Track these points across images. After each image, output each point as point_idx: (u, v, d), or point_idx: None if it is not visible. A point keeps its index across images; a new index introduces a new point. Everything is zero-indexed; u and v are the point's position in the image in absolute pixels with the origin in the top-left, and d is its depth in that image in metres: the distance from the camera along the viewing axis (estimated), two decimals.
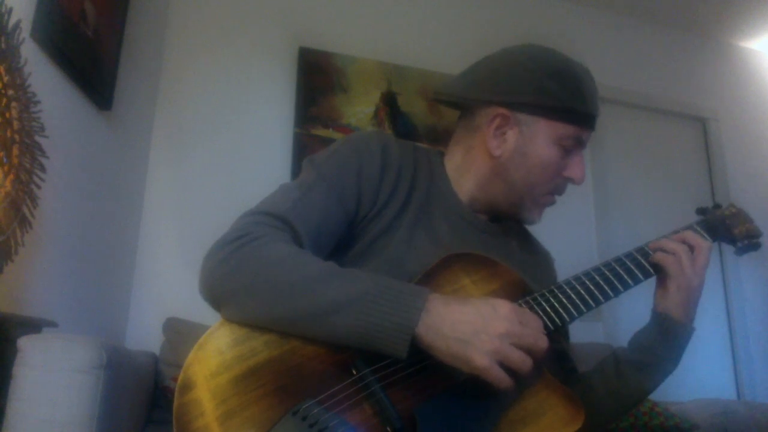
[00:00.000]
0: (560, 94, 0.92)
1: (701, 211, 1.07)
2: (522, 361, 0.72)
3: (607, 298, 0.89)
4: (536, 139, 0.93)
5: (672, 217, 1.04)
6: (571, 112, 0.92)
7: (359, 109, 2.59)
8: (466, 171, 1.00)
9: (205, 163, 2.35)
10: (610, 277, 0.91)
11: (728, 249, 1.06)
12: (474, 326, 0.72)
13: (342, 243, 0.91)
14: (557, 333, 0.90)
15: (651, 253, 0.94)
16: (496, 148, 0.95)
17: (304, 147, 2.41)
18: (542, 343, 0.74)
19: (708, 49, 3.45)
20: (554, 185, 0.97)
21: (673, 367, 0.97)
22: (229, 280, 0.77)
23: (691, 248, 0.93)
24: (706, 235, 0.99)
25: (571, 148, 0.95)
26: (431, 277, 0.86)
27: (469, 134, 1.00)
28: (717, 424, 2.12)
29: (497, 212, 1.02)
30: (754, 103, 3.46)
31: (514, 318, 0.73)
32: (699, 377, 2.80)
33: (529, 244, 1.10)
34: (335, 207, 0.88)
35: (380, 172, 0.92)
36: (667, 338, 0.94)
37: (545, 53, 0.96)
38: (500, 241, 1.02)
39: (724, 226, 1.03)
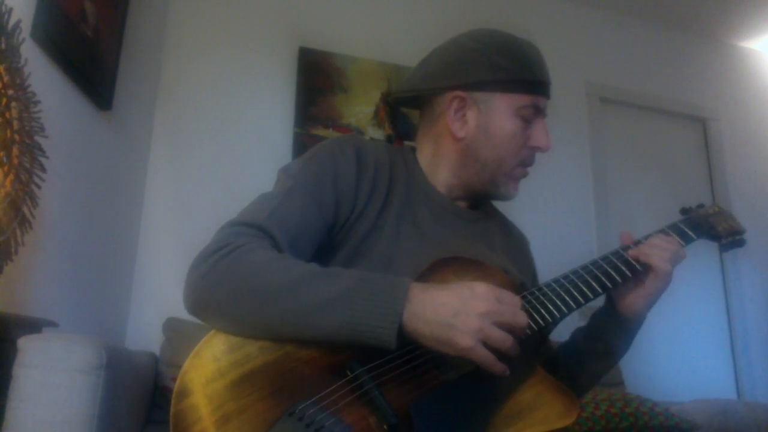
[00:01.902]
0: (510, 67, 0.95)
1: (685, 211, 1.10)
2: (503, 339, 0.73)
3: (596, 295, 0.91)
4: (495, 113, 0.97)
5: (671, 217, 1.05)
6: (523, 82, 0.96)
7: (359, 109, 2.59)
8: (438, 161, 1.02)
9: (205, 162, 2.35)
10: (599, 275, 0.91)
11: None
12: (454, 308, 0.73)
13: (328, 248, 0.91)
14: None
15: (626, 256, 0.94)
16: (459, 130, 0.98)
17: (304, 147, 2.41)
18: (521, 319, 0.75)
19: (708, 49, 3.45)
20: (522, 156, 1.00)
21: (624, 353, 1.01)
22: (213, 292, 0.77)
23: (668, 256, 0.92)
24: (690, 232, 1.00)
25: (530, 117, 0.98)
26: (422, 282, 0.86)
27: (433, 124, 1.03)
28: (717, 424, 2.12)
29: (475, 195, 1.04)
30: (754, 103, 3.46)
31: (492, 297, 0.75)
32: (699, 377, 2.81)
33: (506, 228, 1.13)
34: (313, 214, 0.88)
35: (356, 175, 0.93)
36: (627, 332, 0.98)
37: (489, 33, 1.00)
38: (481, 227, 1.05)
39: (707, 224, 1.05)
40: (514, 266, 1.00)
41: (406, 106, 1.11)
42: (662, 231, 0.99)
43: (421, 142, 1.06)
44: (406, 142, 1.17)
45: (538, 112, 0.98)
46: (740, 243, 1.08)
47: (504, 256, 1.00)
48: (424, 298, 0.74)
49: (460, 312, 0.73)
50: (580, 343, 1.02)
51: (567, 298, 0.88)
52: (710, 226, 1.05)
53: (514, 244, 1.11)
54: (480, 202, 1.08)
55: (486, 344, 0.73)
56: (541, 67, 0.98)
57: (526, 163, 1.01)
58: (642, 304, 0.92)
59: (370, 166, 0.95)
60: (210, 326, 0.78)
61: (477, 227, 1.04)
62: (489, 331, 0.73)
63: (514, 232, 1.15)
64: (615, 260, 0.93)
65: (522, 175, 1.02)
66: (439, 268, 0.88)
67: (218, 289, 0.77)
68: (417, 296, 0.75)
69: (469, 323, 0.72)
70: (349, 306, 0.73)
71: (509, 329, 0.74)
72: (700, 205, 1.10)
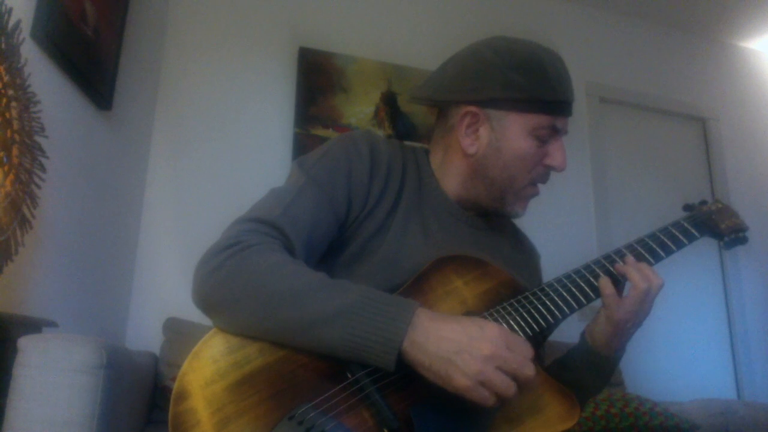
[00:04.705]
0: (526, 86, 0.91)
1: (688, 207, 1.08)
2: (506, 386, 0.70)
3: (598, 295, 0.90)
4: (508, 132, 0.93)
5: (671, 217, 1.04)
6: (540, 102, 0.91)
7: (359, 109, 2.59)
8: (447, 170, 1.00)
9: (205, 163, 2.35)
10: (602, 274, 0.91)
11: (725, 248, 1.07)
12: (458, 345, 0.71)
13: (335, 244, 0.91)
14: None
15: (612, 269, 0.91)
16: (469, 146, 0.96)
17: (304, 147, 2.41)
18: (528, 370, 0.72)
19: (708, 49, 3.44)
20: (535, 174, 0.96)
21: (597, 390, 0.97)
22: (219, 290, 0.77)
23: (648, 288, 0.88)
24: (694, 230, 0.98)
25: (546, 137, 0.94)
26: (423, 280, 0.86)
27: (445, 134, 1.00)
28: (717, 424, 2.12)
29: (483, 209, 1.02)
30: (754, 103, 3.46)
31: (501, 341, 0.72)
32: (699, 377, 2.81)
33: (517, 239, 1.10)
34: (326, 211, 0.87)
35: (370, 173, 0.92)
36: (590, 367, 0.95)
37: (510, 45, 0.95)
38: (489, 236, 1.03)
39: (711, 222, 1.03)
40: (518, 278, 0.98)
41: (426, 105, 1.08)
42: (656, 237, 0.96)
43: (434, 146, 1.04)
44: (407, 142, 1.17)
45: (555, 132, 0.94)
46: (743, 240, 1.06)
47: (508, 268, 0.97)
48: (429, 327, 0.72)
49: (463, 350, 0.70)
50: (552, 370, 0.98)
51: (569, 299, 0.88)
52: (714, 223, 1.03)
53: (523, 257, 1.08)
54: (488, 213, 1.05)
55: (485, 386, 0.70)
56: (562, 85, 0.93)
57: (538, 181, 0.98)
58: (611, 330, 0.89)
59: (383, 165, 0.94)
60: (214, 323, 0.78)
61: (484, 236, 1.02)
62: (491, 375, 0.70)
63: (524, 245, 1.11)
64: (618, 259, 0.93)
65: (533, 194, 0.99)
66: (441, 266, 0.88)
67: (225, 288, 0.77)
68: (423, 324, 0.73)
69: (470, 364, 0.70)
70: (351, 323, 0.72)
71: (514, 376, 0.71)
72: (703, 202, 1.08)
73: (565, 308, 0.88)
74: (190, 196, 2.30)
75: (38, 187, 1.32)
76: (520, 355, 0.72)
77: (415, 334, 0.72)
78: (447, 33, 2.78)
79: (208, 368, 0.73)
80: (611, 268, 0.91)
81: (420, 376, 0.74)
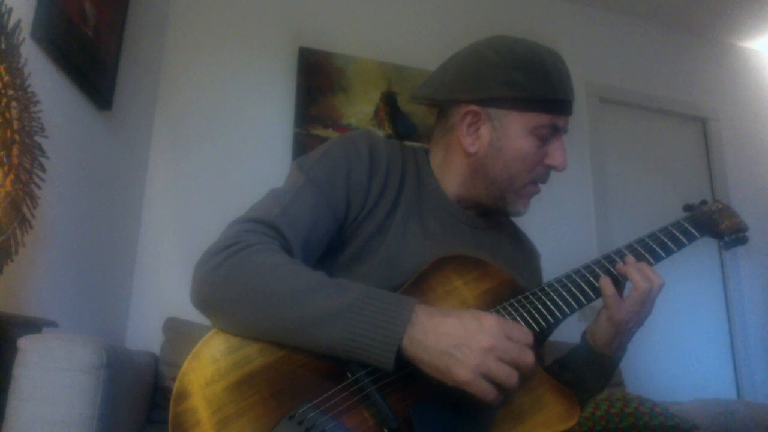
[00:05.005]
0: (527, 85, 0.90)
1: (688, 207, 1.07)
2: (507, 375, 0.70)
3: (598, 295, 0.90)
4: (509, 131, 0.93)
5: (671, 217, 1.04)
6: (542, 101, 0.91)
7: (359, 109, 2.59)
8: (447, 170, 1.00)
9: (205, 163, 2.35)
10: (602, 274, 0.91)
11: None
12: (457, 339, 0.71)
13: (335, 245, 0.91)
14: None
15: (613, 271, 0.91)
16: (470, 145, 0.95)
17: (304, 147, 2.41)
18: (528, 358, 0.72)
19: (708, 49, 3.45)
20: (536, 174, 0.96)
21: (597, 390, 0.97)
22: (218, 290, 0.77)
23: (649, 289, 0.88)
24: (694, 230, 0.98)
25: (547, 136, 0.93)
26: (423, 280, 0.86)
27: (446, 134, 1.00)
28: (717, 424, 2.12)
29: (483, 208, 1.02)
30: (754, 103, 3.46)
31: (500, 332, 0.72)
32: (699, 377, 2.81)
33: (517, 239, 1.10)
34: (325, 212, 0.87)
35: (369, 174, 0.92)
36: (591, 366, 0.95)
37: (511, 44, 0.94)
38: (489, 236, 1.03)
39: (711, 222, 1.03)
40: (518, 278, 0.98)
41: (425, 104, 1.08)
42: (656, 237, 0.96)
43: (434, 146, 1.04)
44: (407, 142, 1.17)
45: (556, 131, 0.94)
46: (743, 241, 1.06)
47: (508, 268, 0.97)
48: (428, 323, 0.72)
49: (462, 344, 0.71)
50: (554, 370, 0.99)
51: (569, 299, 0.88)
52: (714, 224, 1.03)
53: (523, 256, 1.08)
54: (490, 212, 1.05)
55: (487, 378, 0.70)
56: (563, 84, 0.93)
57: (538, 180, 0.97)
58: (612, 331, 0.90)
59: (382, 165, 0.94)
60: (213, 324, 0.78)
61: (484, 236, 1.02)
62: (491, 367, 0.70)
63: (525, 244, 1.11)
64: (618, 260, 0.93)
65: (534, 192, 0.99)
66: (440, 267, 0.87)
67: (223, 288, 0.76)
68: (421, 321, 0.73)
69: (470, 357, 0.70)
70: (350, 323, 0.72)
71: (515, 366, 0.71)
72: (703, 202, 1.08)
73: (565, 308, 0.88)
74: (190, 196, 2.30)
75: (38, 187, 1.32)
76: (519, 344, 0.73)
77: (414, 332, 0.72)
78: (447, 33, 2.78)
79: (208, 368, 0.73)
80: (611, 268, 0.91)
81: (420, 375, 0.74)
